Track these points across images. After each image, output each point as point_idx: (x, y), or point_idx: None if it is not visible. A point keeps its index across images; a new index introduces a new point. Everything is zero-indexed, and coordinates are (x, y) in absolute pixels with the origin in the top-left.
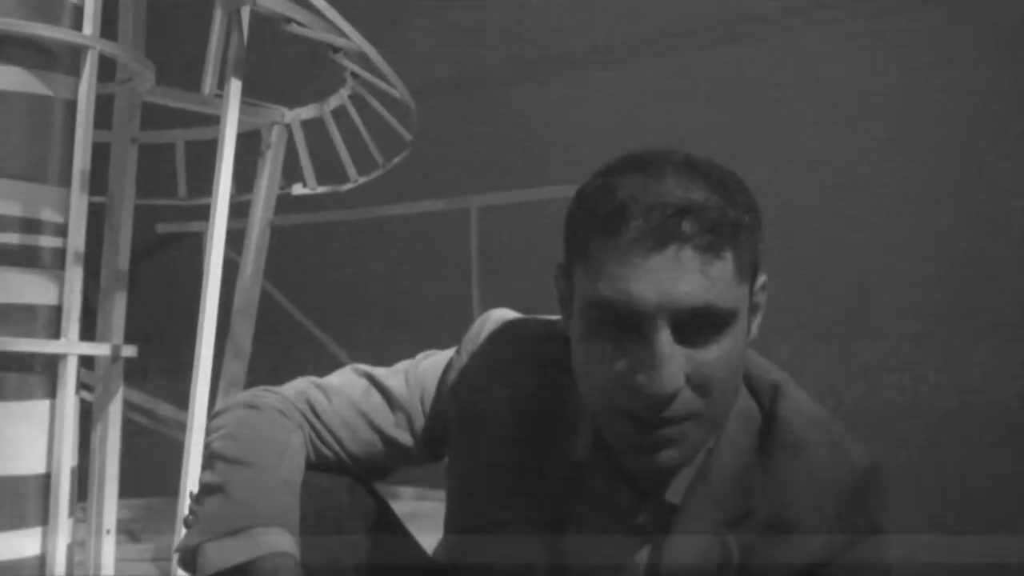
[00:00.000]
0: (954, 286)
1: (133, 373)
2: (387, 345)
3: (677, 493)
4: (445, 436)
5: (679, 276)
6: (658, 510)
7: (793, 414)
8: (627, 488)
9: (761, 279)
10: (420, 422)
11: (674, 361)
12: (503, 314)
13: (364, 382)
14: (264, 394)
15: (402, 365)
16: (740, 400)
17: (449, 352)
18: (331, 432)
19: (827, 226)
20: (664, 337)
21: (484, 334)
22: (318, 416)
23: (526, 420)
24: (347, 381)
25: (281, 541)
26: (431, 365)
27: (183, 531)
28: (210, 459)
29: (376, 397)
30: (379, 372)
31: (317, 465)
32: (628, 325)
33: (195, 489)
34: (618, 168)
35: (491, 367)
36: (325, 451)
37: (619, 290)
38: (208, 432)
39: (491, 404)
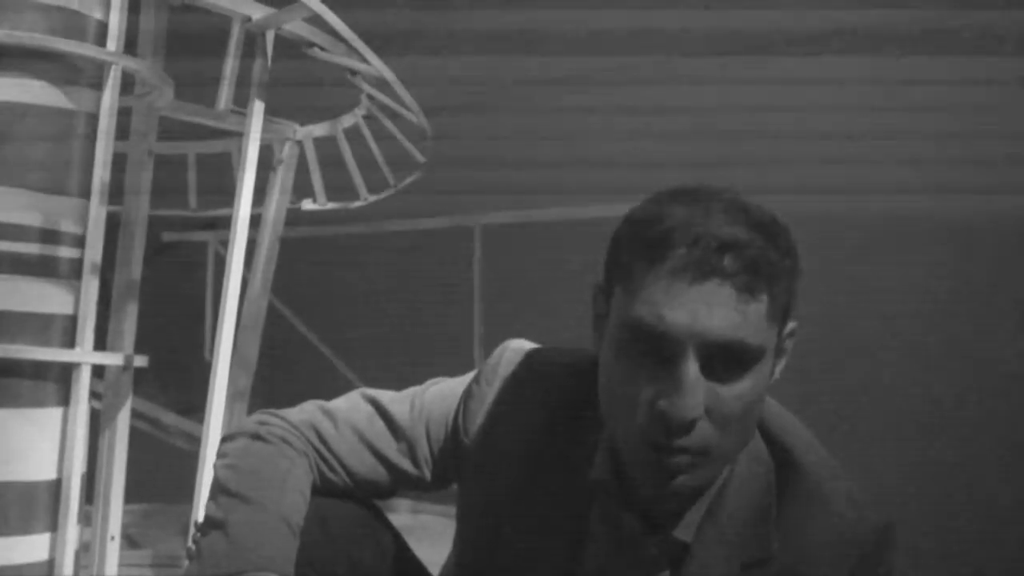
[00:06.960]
0: None
1: (136, 381)
2: (388, 358)
3: (688, 531)
4: (459, 465)
5: (714, 309)
6: (668, 545)
7: (814, 464)
8: (638, 519)
9: (791, 325)
10: (424, 450)
11: (697, 391)
12: (522, 345)
13: (369, 408)
14: (271, 421)
15: (409, 392)
16: (752, 443)
17: (460, 380)
18: (337, 459)
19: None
20: (691, 366)
21: (505, 364)
22: (324, 443)
23: (547, 449)
24: (353, 407)
25: None
26: (439, 394)
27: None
28: (214, 490)
29: (380, 424)
30: (385, 398)
31: (324, 490)
32: (658, 350)
33: (199, 518)
34: (669, 198)
35: (514, 400)
36: (331, 476)
37: (655, 314)
38: (217, 455)
39: (515, 435)
